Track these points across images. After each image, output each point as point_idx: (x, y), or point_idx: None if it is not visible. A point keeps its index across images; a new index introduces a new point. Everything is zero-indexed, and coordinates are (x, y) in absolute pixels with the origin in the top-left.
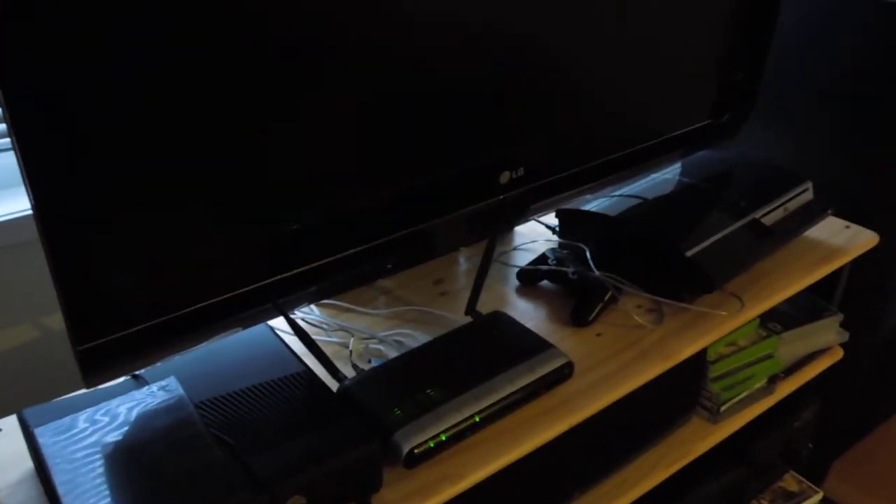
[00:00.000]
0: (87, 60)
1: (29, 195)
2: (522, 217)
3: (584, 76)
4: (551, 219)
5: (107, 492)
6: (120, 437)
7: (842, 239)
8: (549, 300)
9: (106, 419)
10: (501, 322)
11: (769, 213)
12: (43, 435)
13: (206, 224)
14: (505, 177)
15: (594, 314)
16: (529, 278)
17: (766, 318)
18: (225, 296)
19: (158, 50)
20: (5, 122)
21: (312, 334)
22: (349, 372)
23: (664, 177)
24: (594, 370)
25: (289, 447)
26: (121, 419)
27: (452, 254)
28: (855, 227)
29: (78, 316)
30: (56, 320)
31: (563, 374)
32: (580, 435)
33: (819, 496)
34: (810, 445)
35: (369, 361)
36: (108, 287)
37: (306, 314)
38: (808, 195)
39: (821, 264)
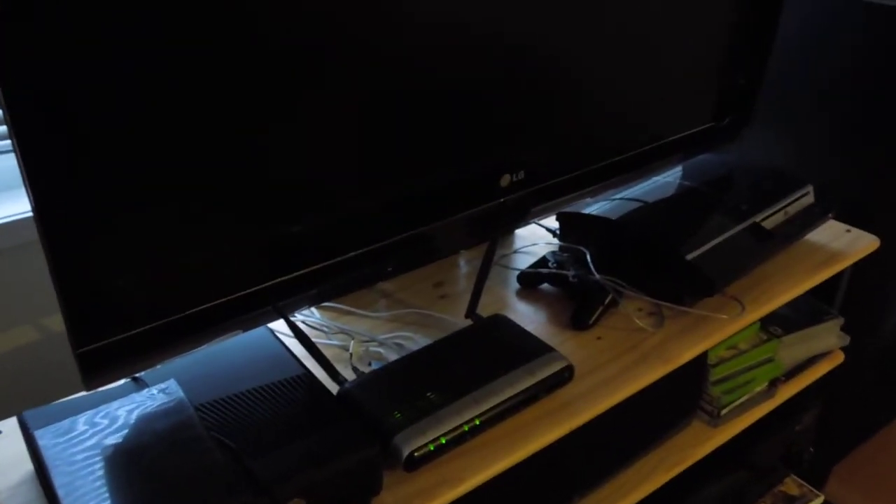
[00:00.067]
0: (88, 61)
1: (29, 197)
2: (523, 220)
3: (585, 79)
4: (552, 222)
5: (106, 494)
6: (120, 440)
7: (843, 243)
8: (549, 303)
9: (106, 422)
10: (502, 325)
11: (770, 216)
12: (43, 437)
13: (206, 226)
14: (505, 180)
15: (594, 317)
16: (530, 281)
17: (767, 322)
18: (225, 298)
19: (159, 50)
20: (6, 123)
21: (313, 337)
22: (349, 375)
23: (665, 180)
24: (594, 373)
25: (289, 450)
26: (121, 422)
27: (453, 257)
28: (856, 231)
29: (78, 318)
30: (56, 322)
31: (564, 377)
32: (580, 438)
33: (820, 500)
34: (811, 449)
35: (369, 364)
36: (108, 289)
37: (307, 317)
38: (809, 199)
39: (822, 268)
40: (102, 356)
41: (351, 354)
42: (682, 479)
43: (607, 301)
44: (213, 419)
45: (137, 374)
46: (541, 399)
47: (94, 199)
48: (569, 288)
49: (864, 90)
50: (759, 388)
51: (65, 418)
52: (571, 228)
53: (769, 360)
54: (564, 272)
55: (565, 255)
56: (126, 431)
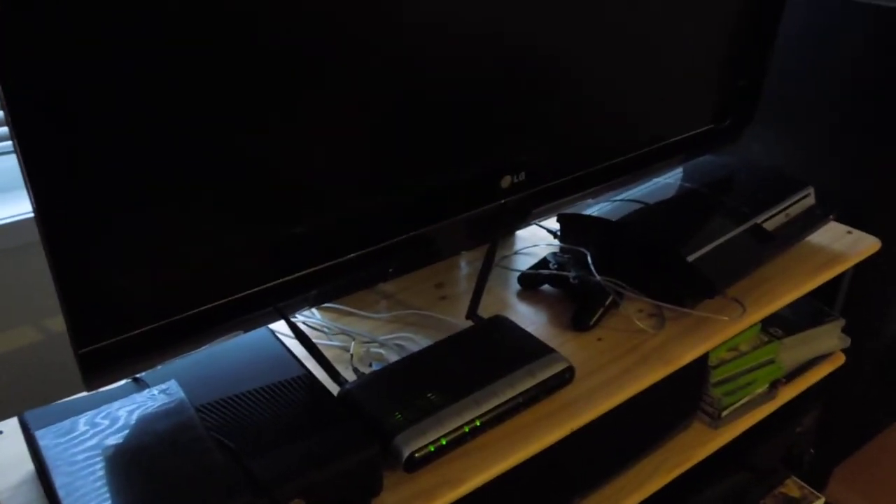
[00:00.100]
0: (89, 61)
1: (30, 197)
2: (524, 221)
3: (586, 80)
4: (553, 223)
5: (107, 494)
6: (120, 440)
7: (844, 244)
8: (550, 304)
9: (106, 422)
10: (502, 326)
11: (771, 218)
12: (44, 437)
13: (207, 227)
14: (506, 181)
15: (595, 319)
16: (531, 282)
17: (768, 324)
18: (226, 299)
19: (160, 50)
20: (7, 123)
21: (313, 338)
22: (350, 376)
23: (666, 181)
24: (595, 375)
25: (289, 451)
26: (121, 422)
27: (454, 258)
28: (857, 233)
29: (79, 319)
30: (57, 323)
31: (564, 378)
32: (581, 440)
33: (821, 502)
34: (812, 451)
35: (370, 365)
36: (109, 290)
37: (307, 318)
38: (810, 200)
39: (822, 270)
40: (103, 357)
41: (352, 355)
42: (682, 481)
43: (608, 302)
44: (214, 420)
45: (138, 375)
46: (541, 400)
47: (95, 200)
48: (569, 289)
49: (865, 91)
50: (759, 390)
51: (66, 419)
52: (572, 230)
53: (770, 362)
54: (565, 273)
55: (566, 256)
56: (127, 432)
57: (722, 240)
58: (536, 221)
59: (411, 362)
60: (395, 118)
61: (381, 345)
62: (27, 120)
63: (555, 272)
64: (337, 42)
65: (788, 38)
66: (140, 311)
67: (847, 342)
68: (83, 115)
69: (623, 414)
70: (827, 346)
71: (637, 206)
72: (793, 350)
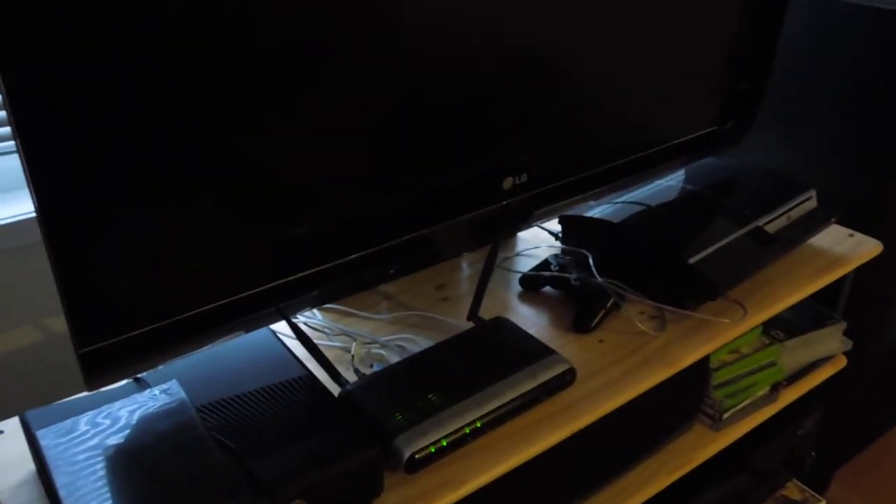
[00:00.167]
0: (91, 61)
1: (32, 198)
2: (525, 223)
3: (588, 82)
4: (554, 225)
5: (108, 494)
6: (121, 440)
7: (845, 247)
8: (551, 306)
9: (107, 422)
10: (503, 328)
11: (773, 220)
12: (45, 437)
13: (209, 227)
14: (508, 182)
15: (596, 320)
16: (532, 284)
17: (769, 326)
18: (228, 299)
19: (162, 51)
20: (9, 123)
21: (315, 338)
22: (351, 376)
23: (668, 184)
24: (596, 377)
25: (290, 451)
26: (122, 422)
27: (455, 259)
28: (859, 236)
29: (80, 318)
30: (58, 323)
31: (565, 380)
32: (581, 441)
33: None
34: (813, 453)
35: (371, 366)
36: (110, 290)
37: (309, 318)
38: (812, 203)
39: (824, 272)
40: (104, 357)
41: (353, 356)
42: (683, 483)
43: (609, 304)
44: (215, 420)
45: (139, 375)
46: (542, 402)
47: (97, 200)
48: (571, 291)
49: (867, 94)
50: (761, 393)
51: (67, 418)
52: (574, 231)
53: (771, 365)
54: (566, 275)
55: (567, 258)
56: (128, 432)
57: (723, 242)
58: (538, 223)
59: (412, 363)
60: (396, 119)
61: (383, 346)
62: (29, 120)
63: (556, 274)
64: (338, 42)
65: (789, 40)
66: (141, 311)
67: (849, 345)
68: (85, 115)
69: (624, 416)
70: (828, 348)
71: (639, 207)
72: (794, 353)
